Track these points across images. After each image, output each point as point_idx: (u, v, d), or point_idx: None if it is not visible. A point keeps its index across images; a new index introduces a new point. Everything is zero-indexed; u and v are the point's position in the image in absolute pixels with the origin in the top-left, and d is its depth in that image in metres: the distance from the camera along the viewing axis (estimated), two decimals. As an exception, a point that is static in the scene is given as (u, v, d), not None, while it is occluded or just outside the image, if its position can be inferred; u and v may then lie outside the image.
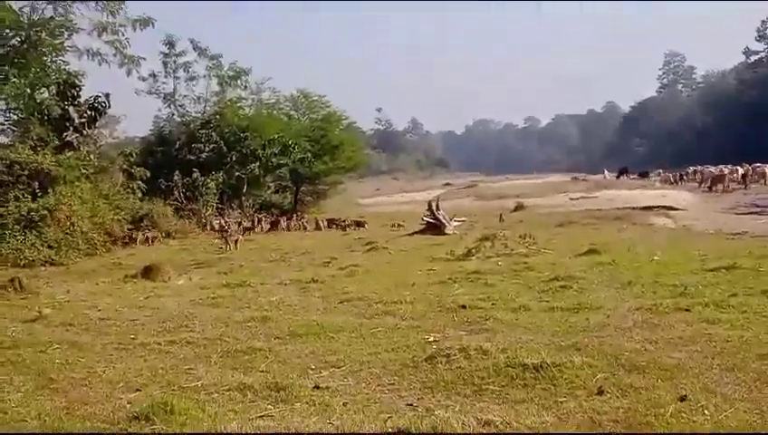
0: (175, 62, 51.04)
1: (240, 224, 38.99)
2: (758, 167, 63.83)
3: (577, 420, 6.72)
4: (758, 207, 41.10)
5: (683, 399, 7.04)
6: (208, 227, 37.93)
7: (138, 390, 8.24)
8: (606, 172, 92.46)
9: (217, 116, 50.48)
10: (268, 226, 40.66)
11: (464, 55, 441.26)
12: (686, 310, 11.05)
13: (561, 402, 7.18)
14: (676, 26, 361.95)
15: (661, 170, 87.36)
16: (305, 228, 40.09)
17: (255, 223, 40.75)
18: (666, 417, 6.63)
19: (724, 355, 8.47)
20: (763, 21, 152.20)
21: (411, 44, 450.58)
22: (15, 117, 32.24)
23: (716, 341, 9.11)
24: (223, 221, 37.83)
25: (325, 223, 40.26)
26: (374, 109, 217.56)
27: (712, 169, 71.47)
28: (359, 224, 38.81)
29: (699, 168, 75.00)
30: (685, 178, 71.25)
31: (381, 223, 40.16)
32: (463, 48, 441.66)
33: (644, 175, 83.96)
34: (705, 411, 6.74)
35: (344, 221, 40.07)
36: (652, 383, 7.57)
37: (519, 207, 48.34)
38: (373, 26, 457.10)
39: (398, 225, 37.01)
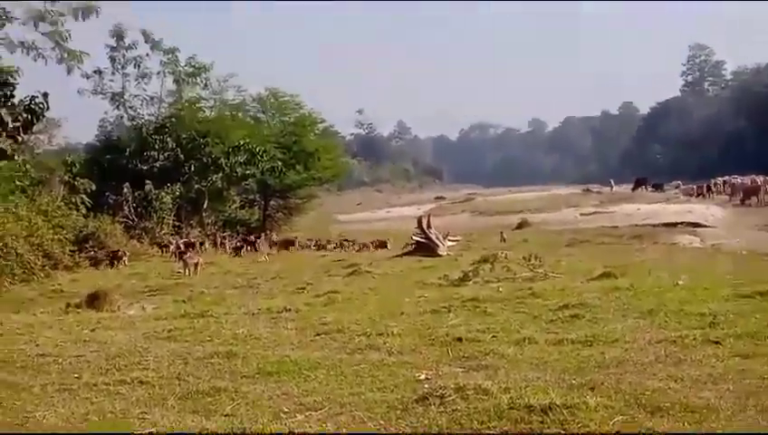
0: (124, 56, 50.94)
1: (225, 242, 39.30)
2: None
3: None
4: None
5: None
6: (171, 248, 37.63)
7: (83, 438, 8.20)
8: (612, 184, 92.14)
9: (173, 119, 50.46)
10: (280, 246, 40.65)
11: (459, 51, 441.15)
12: (716, 342, 11.06)
13: (572, 450, 7.20)
14: (703, 16, 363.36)
15: (680, 182, 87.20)
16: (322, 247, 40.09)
17: (255, 240, 40.77)
18: (693, 466, 6.65)
19: (760, 395, 8.45)
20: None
21: (396, 37, 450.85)
22: (-64, 120, 32.11)
23: (751, 378, 9.10)
24: (180, 241, 37.80)
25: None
26: (354, 111, 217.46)
27: (740, 179, 71.61)
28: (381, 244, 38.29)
29: (728, 178, 75.10)
30: (713, 190, 71.08)
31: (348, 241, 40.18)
32: (457, 44, 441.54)
33: (658, 187, 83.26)
34: (739, 459, 6.76)
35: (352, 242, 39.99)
36: (677, 427, 7.57)
37: (523, 224, 48.63)
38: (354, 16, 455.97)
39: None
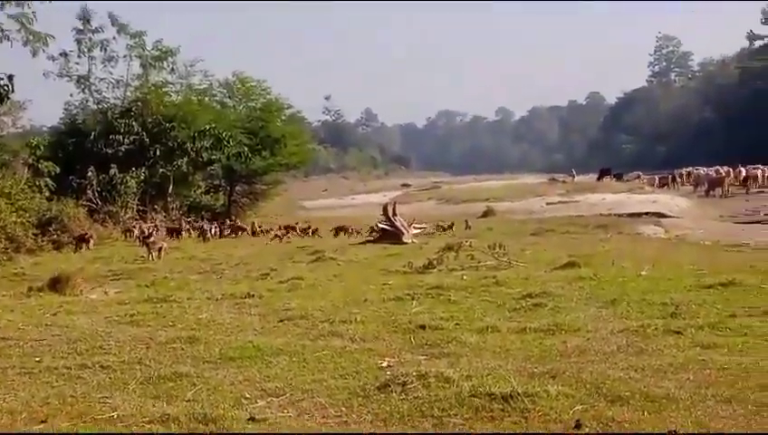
0: (90, 39, 50.40)
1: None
2: (755, 169, 64.88)
3: (551, 457, 6.78)
4: (763, 214, 41.56)
5: (672, 434, 7.10)
6: (135, 232, 37.38)
7: (43, 421, 8.16)
8: (574, 173, 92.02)
9: (139, 103, 50.03)
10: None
11: (427, 44, 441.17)
12: (678, 332, 11.16)
13: (533, 438, 7.23)
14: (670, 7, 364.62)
15: (640, 172, 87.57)
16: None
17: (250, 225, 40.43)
18: (652, 455, 6.69)
19: (719, 385, 8.53)
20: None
21: (365, 25, 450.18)
22: None
23: (711, 368, 9.18)
24: (145, 225, 37.60)
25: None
26: (322, 97, 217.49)
27: (704, 170, 72.20)
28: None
29: (692, 169, 75.60)
30: (678, 180, 71.32)
31: (329, 229, 39.82)
32: (425, 33, 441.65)
33: (618, 177, 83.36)
34: (697, 449, 6.80)
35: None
36: (637, 416, 7.62)
37: (488, 213, 48.68)
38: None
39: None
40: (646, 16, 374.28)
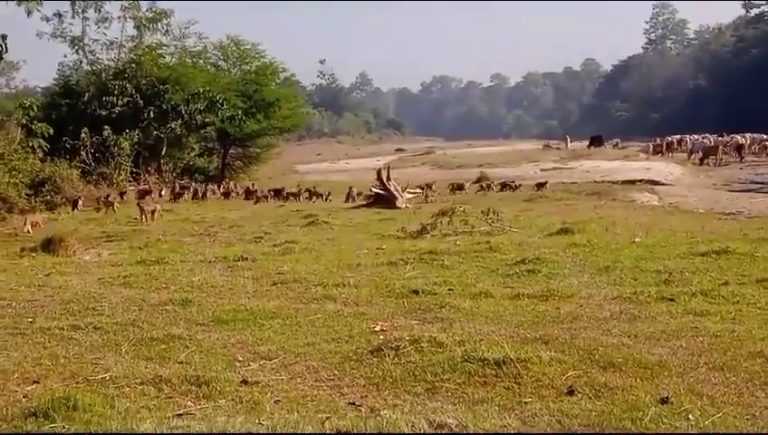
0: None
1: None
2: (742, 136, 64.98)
3: (543, 423, 6.75)
4: (756, 183, 41.56)
5: (664, 401, 7.06)
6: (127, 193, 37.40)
7: (35, 382, 8.14)
8: (568, 140, 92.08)
9: (133, 65, 49.93)
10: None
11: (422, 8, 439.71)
12: (671, 300, 11.14)
13: (525, 403, 7.19)
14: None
15: (618, 140, 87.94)
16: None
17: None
18: (644, 422, 6.65)
19: (712, 352, 8.51)
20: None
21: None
22: None
23: (704, 335, 9.16)
24: (146, 186, 37.61)
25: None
26: (317, 60, 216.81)
27: (694, 137, 72.21)
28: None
29: (682, 136, 75.60)
30: (670, 148, 71.13)
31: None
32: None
33: (599, 143, 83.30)
34: (690, 416, 6.76)
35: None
36: (630, 383, 7.60)
37: (482, 179, 48.41)
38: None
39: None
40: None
